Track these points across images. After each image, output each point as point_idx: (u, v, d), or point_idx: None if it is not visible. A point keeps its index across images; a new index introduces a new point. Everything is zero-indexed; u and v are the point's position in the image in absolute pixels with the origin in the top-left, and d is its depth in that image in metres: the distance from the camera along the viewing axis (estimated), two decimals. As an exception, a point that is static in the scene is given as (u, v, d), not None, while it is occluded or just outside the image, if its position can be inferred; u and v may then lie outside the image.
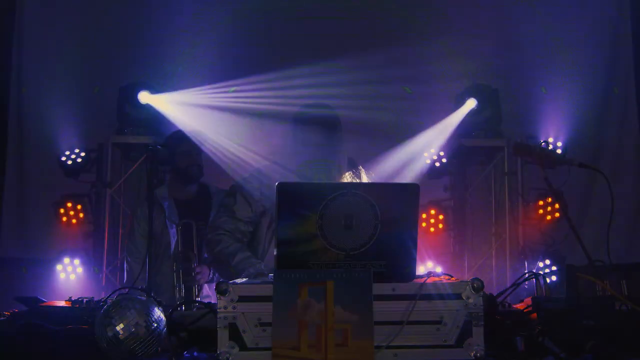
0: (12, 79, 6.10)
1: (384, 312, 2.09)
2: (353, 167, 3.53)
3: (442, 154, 5.98)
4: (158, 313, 2.27)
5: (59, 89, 6.06)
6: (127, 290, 2.76)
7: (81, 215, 5.86)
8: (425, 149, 5.82)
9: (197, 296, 4.05)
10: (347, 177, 3.43)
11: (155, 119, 5.87)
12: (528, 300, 2.67)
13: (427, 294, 2.12)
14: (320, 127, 3.37)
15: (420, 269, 5.16)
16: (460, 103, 5.95)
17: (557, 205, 5.76)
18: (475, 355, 2.09)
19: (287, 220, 2.16)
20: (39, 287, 5.24)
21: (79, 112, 6.05)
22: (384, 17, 6.18)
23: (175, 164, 4.54)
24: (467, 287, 2.13)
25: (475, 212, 6.21)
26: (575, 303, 2.33)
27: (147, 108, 5.83)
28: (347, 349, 2.04)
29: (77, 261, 5.69)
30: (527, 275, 2.79)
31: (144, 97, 5.78)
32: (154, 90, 5.85)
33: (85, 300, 2.89)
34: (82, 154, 5.89)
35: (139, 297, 2.40)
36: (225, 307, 2.08)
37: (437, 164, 5.98)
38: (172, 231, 4.36)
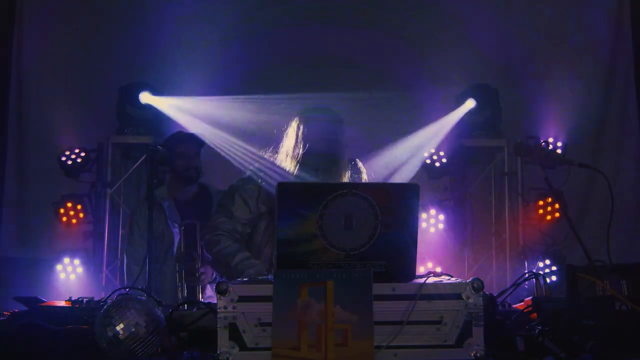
0: (12, 79, 6.10)
1: (384, 312, 2.09)
2: (354, 167, 3.53)
3: (442, 154, 5.98)
4: (158, 313, 2.28)
5: (59, 89, 6.06)
6: (127, 290, 2.75)
7: (81, 215, 5.85)
8: (420, 147, 5.82)
9: (201, 297, 4.05)
10: (347, 177, 3.43)
11: (155, 119, 5.87)
12: (528, 300, 2.68)
13: (427, 294, 2.12)
14: (324, 124, 3.37)
15: (420, 269, 5.16)
16: (460, 103, 5.96)
17: (557, 205, 5.76)
18: (475, 355, 2.09)
19: (287, 220, 2.16)
20: (39, 287, 5.24)
21: (79, 112, 6.05)
22: (384, 17, 6.18)
23: (173, 166, 4.54)
24: (467, 287, 2.13)
25: (475, 212, 6.21)
26: (575, 303, 2.32)
27: (148, 108, 5.84)
28: (347, 349, 2.04)
29: (77, 261, 5.69)
30: (527, 275, 2.79)
31: (145, 97, 5.79)
32: (155, 90, 5.86)
33: (85, 300, 2.90)
34: (82, 154, 5.89)
35: (139, 297, 2.40)
36: (225, 307, 2.08)
37: (437, 164, 5.98)
38: (175, 231, 4.36)
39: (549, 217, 5.91)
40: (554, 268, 5.56)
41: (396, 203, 2.21)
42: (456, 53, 5.96)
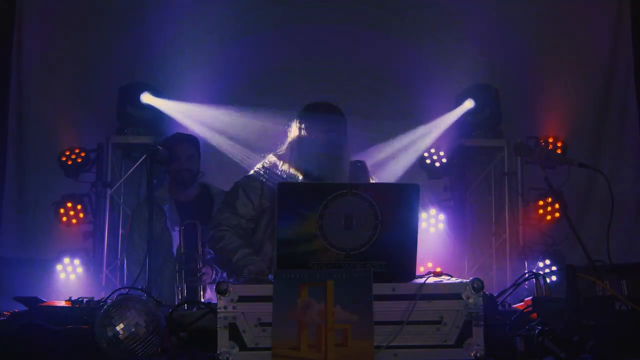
0: (12, 79, 6.09)
1: (384, 312, 2.09)
2: (361, 168, 3.54)
3: (442, 154, 5.98)
4: (158, 313, 2.28)
5: (59, 89, 6.06)
6: (127, 290, 2.75)
7: (81, 215, 5.85)
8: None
9: (202, 297, 4.04)
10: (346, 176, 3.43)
11: (155, 119, 5.87)
12: (528, 300, 2.68)
13: (427, 294, 2.12)
14: (324, 121, 3.37)
15: (420, 269, 5.16)
16: (460, 103, 5.96)
17: (557, 205, 5.76)
18: (475, 355, 2.10)
19: (287, 220, 2.17)
20: (39, 287, 5.23)
21: (79, 112, 6.05)
22: (384, 17, 6.18)
23: (170, 167, 4.53)
24: (467, 287, 2.13)
25: (475, 212, 6.21)
26: (575, 303, 2.33)
27: (148, 108, 5.83)
28: (347, 349, 2.04)
29: (77, 261, 5.69)
30: (527, 275, 2.79)
31: (147, 98, 5.79)
32: (155, 90, 5.86)
33: (85, 300, 2.90)
34: (82, 154, 5.89)
35: (139, 297, 2.41)
36: (225, 307, 2.08)
37: (437, 164, 5.98)
38: (174, 233, 4.35)
39: (549, 217, 5.90)
40: (554, 268, 5.55)
41: (396, 203, 2.21)
42: (456, 53, 5.95)
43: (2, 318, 2.84)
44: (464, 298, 2.13)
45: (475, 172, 6.26)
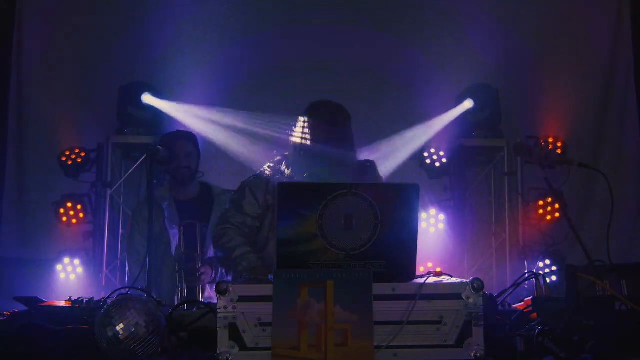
0: (12, 79, 6.09)
1: (384, 312, 2.09)
2: (370, 168, 3.55)
3: (442, 154, 5.98)
4: (158, 313, 2.28)
5: (59, 89, 6.06)
6: (127, 290, 2.75)
7: (81, 215, 5.85)
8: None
9: (201, 297, 4.04)
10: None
11: (155, 119, 5.87)
12: (528, 300, 2.68)
13: (427, 294, 2.12)
14: (330, 119, 3.39)
15: (420, 269, 5.15)
16: (459, 103, 5.96)
17: (557, 205, 5.76)
18: (475, 355, 2.10)
19: (287, 220, 2.17)
20: (39, 287, 5.23)
21: (79, 112, 6.05)
22: (384, 17, 6.18)
23: (169, 165, 4.51)
24: (467, 287, 2.13)
25: (475, 212, 6.21)
26: (575, 303, 2.33)
27: (148, 108, 5.84)
28: (347, 349, 2.04)
29: (77, 261, 5.69)
30: (527, 275, 2.79)
31: (147, 99, 5.79)
32: (155, 90, 5.86)
33: (85, 300, 2.90)
34: (82, 154, 5.89)
35: (139, 297, 2.41)
36: (225, 307, 2.08)
37: (437, 164, 5.98)
38: (172, 232, 4.35)
39: (549, 217, 5.90)
40: (554, 268, 5.56)
41: (396, 203, 2.21)
42: (456, 53, 5.96)
43: (2, 318, 2.84)
44: (464, 298, 2.13)
45: (475, 172, 6.26)
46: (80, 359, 2.31)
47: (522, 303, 2.78)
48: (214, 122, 5.62)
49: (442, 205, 6.03)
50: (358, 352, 2.04)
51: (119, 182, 5.96)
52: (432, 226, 5.92)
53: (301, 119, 3.47)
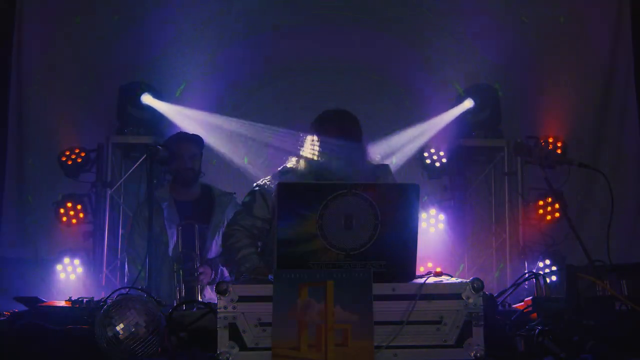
0: (12, 79, 6.09)
1: (384, 312, 2.09)
2: (384, 170, 3.56)
3: (442, 154, 5.98)
4: (158, 313, 2.28)
5: (59, 89, 6.06)
6: (127, 290, 2.75)
7: (81, 215, 5.85)
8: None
9: (200, 297, 4.04)
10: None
11: (155, 119, 5.87)
12: (528, 300, 2.68)
13: (427, 294, 2.12)
14: (338, 128, 3.41)
15: (420, 269, 5.16)
16: (460, 103, 5.96)
17: (557, 205, 5.76)
18: (475, 355, 2.09)
19: (287, 220, 2.16)
20: (39, 287, 5.24)
21: (79, 112, 6.05)
22: (384, 17, 6.18)
23: (170, 166, 4.51)
24: (467, 287, 2.13)
25: (475, 212, 6.21)
26: (575, 303, 2.33)
27: (148, 108, 5.84)
28: (347, 349, 2.04)
29: (77, 261, 5.69)
30: (527, 275, 2.79)
31: (147, 99, 5.80)
32: (155, 91, 5.86)
33: (85, 300, 2.90)
34: (82, 154, 5.89)
35: (139, 297, 2.41)
36: (225, 307, 2.08)
37: (437, 164, 5.98)
38: (171, 232, 4.34)
39: (549, 217, 5.90)
40: (554, 268, 5.56)
41: (396, 203, 2.21)
42: (456, 53, 5.96)
43: (2, 318, 2.84)
44: (464, 298, 2.13)
45: (475, 172, 6.26)
46: (80, 359, 2.31)
47: (522, 303, 2.78)
48: (211, 126, 5.64)
49: (442, 205, 6.03)
50: (358, 352, 2.04)
51: (119, 182, 5.96)
52: (432, 226, 5.92)
53: (312, 126, 3.49)
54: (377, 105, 6.03)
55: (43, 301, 3.01)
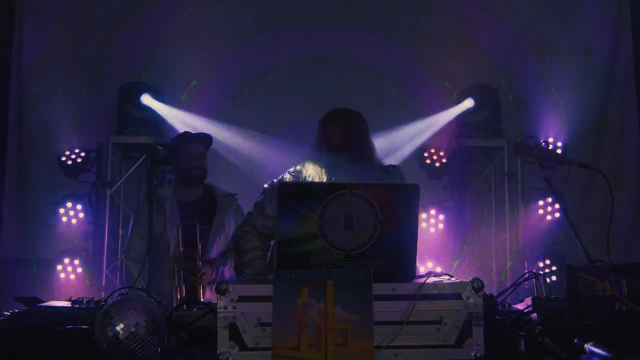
0: (12, 79, 6.10)
1: (384, 312, 2.09)
2: (394, 171, 3.57)
3: (442, 154, 5.98)
4: (158, 313, 2.27)
5: (59, 89, 6.06)
6: (127, 290, 2.75)
7: (81, 215, 5.85)
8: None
9: (202, 297, 4.04)
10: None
11: (155, 119, 5.88)
12: (528, 300, 2.67)
13: (427, 294, 2.12)
14: (343, 126, 3.42)
15: (420, 269, 5.15)
16: (460, 103, 5.97)
17: (557, 205, 5.76)
18: (475, 355, 2.09)
19: (287, 220, 2.16)
20: (39, 287, 5.24)
21: (79, 112, 6.06)
22: (385, 18, 6.18)
23: (179, 166, 4.47)
24: (467, 287, 2.13)
25: (475, 212, 6.21)
26: (575, 303, 2.32)
27: (148, 108, 5.84)
28: (347, 349, 2.04)
29: (77, 261, 5.69)
30: (527, 275, 2.79)
31: (147, 100, 5.80)
32: (155, 91, 5.87)
33: (85, 300, 2.89)
34: (82, 154, 5.89)
35: (139, 297, 2.40)
36: (225, 307, 2.08)
37: (437, 164, 5.98)
38: (172, 232, 4.33)
39: (549, 217, 5.91)
40: (554, 268, 5.56)
41: (396, 203, 2.21)
42: (456, 53, 5.96)
43: (2, 318, 2.83)
44: (464, 298, 2.12)
45: (475, 172, 6.26)
46: (80, 359, 2.31)
47: (522, 303, 2.77)
48: (211, 127, 5.64)
49: (442, 205, 6.03)
50: (358, 352, 2.04)
51: (119, 182, 5.97)
52: (432, 226, 5.92)
53: (319, 125, 3.50)
54: (377, 105, 6.03)
55: (43, 301, 3.01)
